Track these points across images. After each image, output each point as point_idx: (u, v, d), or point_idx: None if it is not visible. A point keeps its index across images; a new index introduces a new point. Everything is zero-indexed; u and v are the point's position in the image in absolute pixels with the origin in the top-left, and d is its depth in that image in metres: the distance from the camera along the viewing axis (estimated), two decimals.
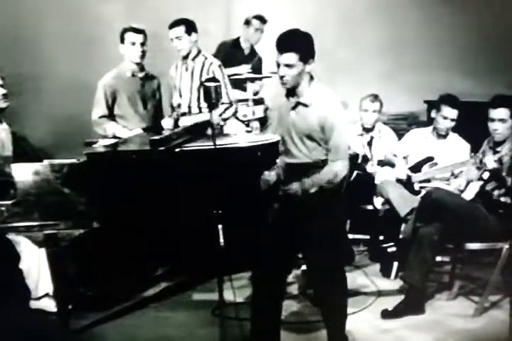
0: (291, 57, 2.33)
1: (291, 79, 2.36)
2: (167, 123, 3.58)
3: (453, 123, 3.55)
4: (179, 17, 3.63)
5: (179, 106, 3.72)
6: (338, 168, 2.39)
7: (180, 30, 3.52)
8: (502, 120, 3.08)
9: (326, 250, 2.42)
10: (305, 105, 2.41)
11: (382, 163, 3.76)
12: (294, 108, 2.44)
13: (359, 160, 3.75)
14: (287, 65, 2.33)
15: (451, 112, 3.51)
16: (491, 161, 3.01)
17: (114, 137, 3.43)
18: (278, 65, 2.37)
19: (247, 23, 4.39)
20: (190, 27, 3.54)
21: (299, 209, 2.40)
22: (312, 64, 2.38)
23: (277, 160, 2.57)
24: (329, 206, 2.43)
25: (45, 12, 4.51)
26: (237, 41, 4.46)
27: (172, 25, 3.54)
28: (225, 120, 3.64)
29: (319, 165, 2.41)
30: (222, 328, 2.54)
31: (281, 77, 2.37)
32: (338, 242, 2.50)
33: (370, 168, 3.72)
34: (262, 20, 4.36)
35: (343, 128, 2.42)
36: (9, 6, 4.39)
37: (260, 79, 4.30)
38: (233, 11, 4.70)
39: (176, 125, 3.58)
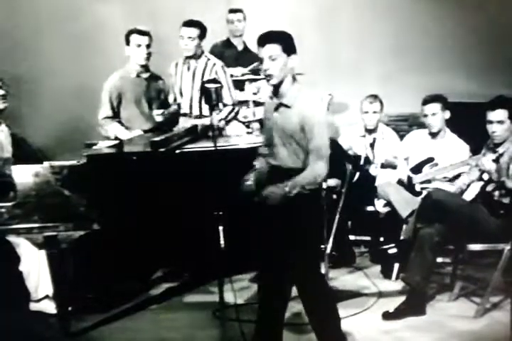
0: (274, 48, 2.36)
1: (275, 72, 2.37)
2: (157, 112, 3.55)
3: (438, 117, 3.50)
4: (178, 18, 3.63)
5: (179, 104, 3.71)
6: (319, 169, 2.38)
7: (196, 31, 3.54)
8: (500, 122, 3.07)
9: (303, 253, 2.40)
10: (287, 106, 2.42)
11: (384, 166, 3.75)
12: (276, 109, 2.44)
13: (361, 162, 3.74)
14: (271, 57, 2.36)
15: (429, 108, 3.50)
16: (488, 161, 3.00)
17: (116, 138, 3.43)
18: (261, 61, 2.39)
19: (227, 20, 4.42)
20: (204, 32, 3.58)
21: (278, 212, 2.38)
22: (294, 59, 2.39)
23: (255, 163, 2.55)
24: (309, 208, 2.41)
25: (45, 13, 4.51)
26: (227, 40, 4.48)
27: (188, 24, 3.54)
28: (228, 122, 3.64)
29: (299, 169, 2.40)
30: (223, 330, 2.54)
31: (265, 70, 2.38)
32: (315, 245, 2.49)
33: (374, 170, 3.71)
34: (233, 11, 4.38)
35: (324, 129, 2.41)
36: (8, 7, 4.39)
37: (259, 80, 4.30)
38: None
39: (168, 117, 3.55)
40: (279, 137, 2.42)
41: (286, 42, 2.38)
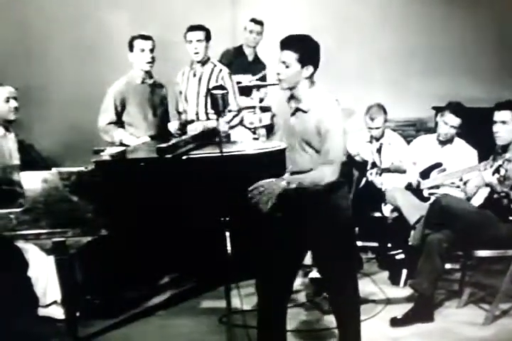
0: (289, 56, 2.33)
1: (285, 78, 2.36)
2: (173, 126, 3.59)
3: (453, 131, 3.51)
4: (185, 24, 3.66)
5: (185, 111, 3.73)
6: (326, 173, 2.31)
7: (202, 34, 3.58)
8: (503, 122, 3.05)
9: (335, 253, 2.39)
10: (303, 111, 2.41)
11: (390, 170, 3.73)
12: (293, 114, 2.44)
13: (368, 167, 3.74)
14: (284, 63, 2.34)
15: (452, 119, 3.49)
16: (488, 175, 2.98)
17: (121, 144, 3.44)
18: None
19: (245, 28, 4.44)
20: (208, 34, 3.62)
21: (302, 213, 2.39)
22: (310, 71, 2.36)
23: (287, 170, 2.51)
24: (335, 209, 2.40)
25: (51, 22, 4.55)
26: (240, 48, 4.50)
27: (193, 28, 3.59)
28: (232, 127, 3.66)
29: None
30: (230, 336, 2.53)
31: (278, 74, 2.37)
32: (346, 244, 2.45)
33: (369, 176, 3.69)
34: (256, 22, 4.40)
35: (339, 133, 2.35)
36: (15, 17, 4.44)
37: (266, 86, 4.32)
38: (239, 19, 4.72)
39: (182, 128, 3.59)
40: (299, 142, 2.40)
41: (305, 53, 2.33)
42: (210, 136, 3.29)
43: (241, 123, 3.77)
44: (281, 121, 2.56)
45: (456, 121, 3.49)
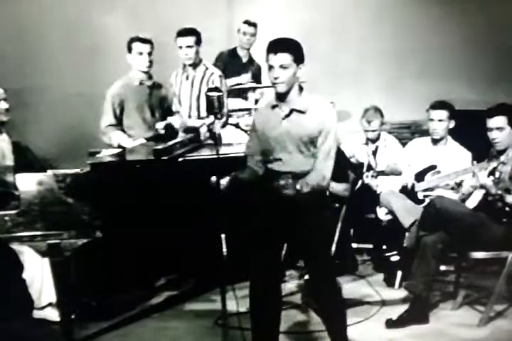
0: (286, 58, 2.37)
1: (285, 80, 2.38)
2: (160, 126, 3.55)
3: (443, 125, 3.49)
4: (181, 26, 3.66)
5: (178, 113, 3.73)
6: (327, 170, 2.42)
7: (192, 40, 3.57)
8: (499, 128, 3.07)
9: (316, 254, 2.44)
10: (301, 111, 2.43)
11: (386, 173, 3.75)
12: (287, 116, 2.44)
13: (364, 169, 3.75)
14: (282, 66, 2.37)
15: (437, 113, 3.49)
16: (484, 176, 3.00)
17: (119, 147, 3.44)
18: (270, 68, 2.40)
19: (239, 30, 4.45)
20: (199, 38, 3.61)
21: (287, 214, 2.42)
22: (303, 69, 2.42)
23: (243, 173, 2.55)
24: (318, 210, 2.44)
25: (48, 23, 4.55)
26: (234, 50, 4.50)
27: (183, 34, 3.57)
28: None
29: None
30: (225, 338, 2.53)
31: (275, 78, 2.39)
32: (327, 246, 2.52)
33: (366, 179, 3.69)
34: (249, 23, 4.41)
35: (336, 134, 2.46)
36: (11, 18, 4.44)
37: (261, 87, 4.33)
38: (234, 20, 4.74)
39: (168, 127, 3.57)
40: (294, 144, 2.42)
41: (297, 52, 2.40)
42: (195, 137, 3.29)
43: (225, 126, 3.75)
44: (260, 128, 2.51)
45: (442, 113, 3.48)
